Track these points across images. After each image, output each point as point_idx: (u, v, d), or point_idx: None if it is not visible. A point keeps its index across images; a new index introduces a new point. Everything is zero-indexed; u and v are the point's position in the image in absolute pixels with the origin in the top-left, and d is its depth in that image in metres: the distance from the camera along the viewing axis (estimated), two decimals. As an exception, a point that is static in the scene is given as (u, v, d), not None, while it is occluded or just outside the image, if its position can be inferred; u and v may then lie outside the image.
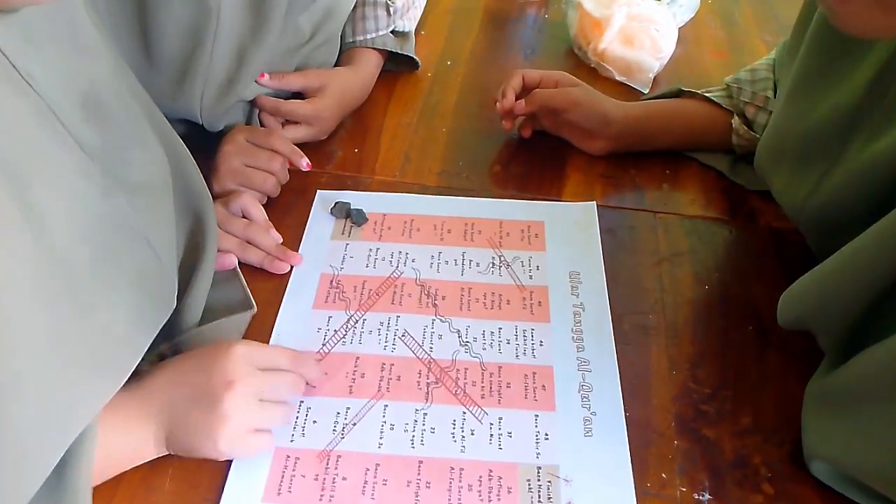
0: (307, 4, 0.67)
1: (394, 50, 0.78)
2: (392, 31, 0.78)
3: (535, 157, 0.73)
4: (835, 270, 0.45)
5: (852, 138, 0.47)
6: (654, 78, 0.82)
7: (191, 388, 0.46)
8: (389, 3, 0.76)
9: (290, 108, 0.68)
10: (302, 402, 0.51)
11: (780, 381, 0.54)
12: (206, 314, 0.53)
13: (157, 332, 0.46)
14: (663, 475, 0.48)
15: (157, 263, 0.46)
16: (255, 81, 0.66)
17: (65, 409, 0.38)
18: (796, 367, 0.54)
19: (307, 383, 0.51)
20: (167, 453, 0.46)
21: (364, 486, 0.47)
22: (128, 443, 0.45)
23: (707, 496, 0.47)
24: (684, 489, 0.47)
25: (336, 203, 0.66)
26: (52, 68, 0.38)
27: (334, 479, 0.47)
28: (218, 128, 0.66)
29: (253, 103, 0.69)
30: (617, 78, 0.83)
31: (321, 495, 0.46)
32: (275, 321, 0.56)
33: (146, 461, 0.46)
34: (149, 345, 0.45)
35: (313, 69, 0.72)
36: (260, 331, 0.56)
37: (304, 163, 0.65)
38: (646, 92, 0.81)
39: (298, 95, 0.71)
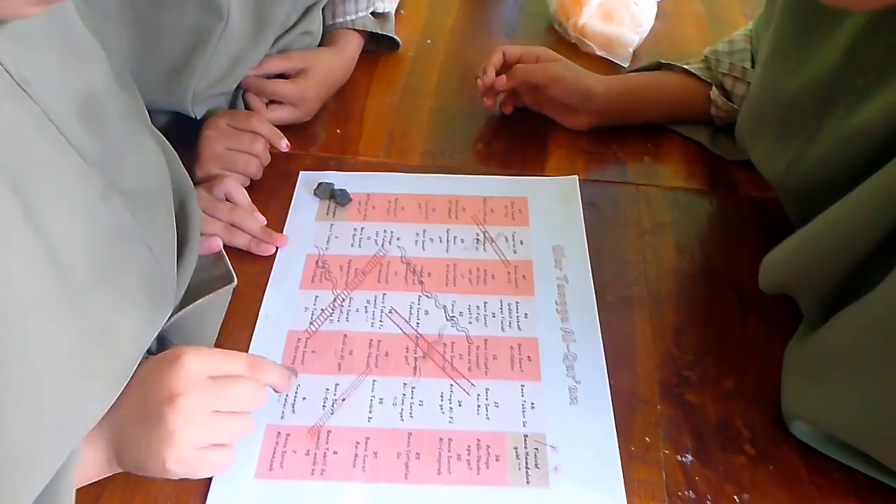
0: (303, 6, 0.67)
1: (374, 31, 0.78)
2: (372, 13, 0.78)
3: (517, 133, 0.73)
4: (817, 236, 0.46)
5: (832, 107, 0.47)
6: (634, 52, 0.83)
7: (133, 402, 0.42)
8: None
9: (275, 89, 0.68)
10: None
11: (761, 347, 0.55)
12: (189, 297, 0.52)
13: (158, 331, 0.46)
14: (647, 439, 0.49)
15: (157, 266, 0.45)
16: (246, 79, 0.66)
17: (67, 413, 0.37)
18: (777, 333, 0.55)
19: (274, 390, 0.47)
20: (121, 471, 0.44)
21: (355, 460, 0.48)
22: (79, 463, 0.41)
23: (690, 458, 0.48)
24: (668, 452, 0.49)
25: (319, 184, 0.66)
26: (48, 74, 0.37)
27: (325, 453, 0.48)
28: (200, 115, 0.66)
29: (238, 87, 0.69)
30: (597, 53, 0.83)
31: (313, 469, 0.47)
32: (261, 303, 0.57)
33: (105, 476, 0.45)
34: (149, 345, 0.45)
35: (296, 51, 0.72)
36: (247, 314, 0.56)
37: (284, 144, 0.65)
38: (626, 66, 0.82)
39: (282, 77, 0.71)
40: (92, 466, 0.43)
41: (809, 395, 0.47)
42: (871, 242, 0.41)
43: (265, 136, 0.64)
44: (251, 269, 0.59)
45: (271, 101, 0.70)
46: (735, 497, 0.47)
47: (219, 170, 0.63)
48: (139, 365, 0.43)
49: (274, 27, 0.63)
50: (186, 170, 0.56)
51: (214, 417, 0.43)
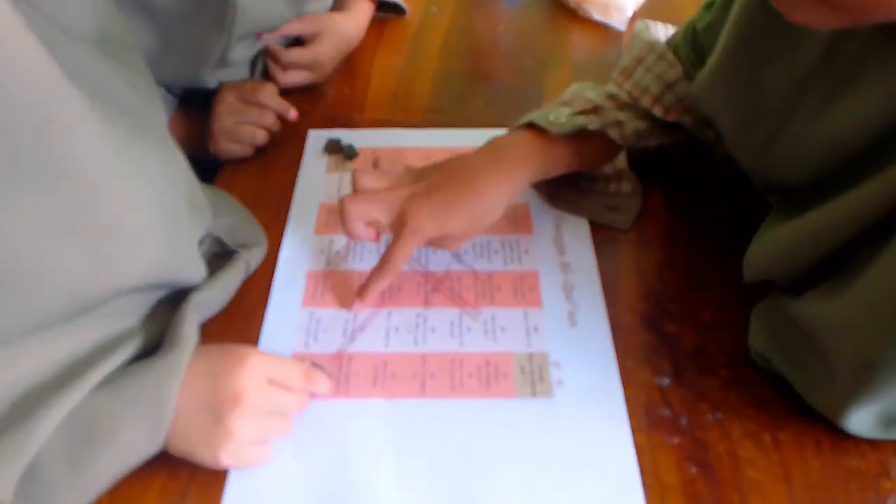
0: None
1: None
2: None
3: (515, 91, 0.77)
4: (798, 242, 0.46)
5: (804, 102, 0.46)
6: (632, 16, 0.86)
7: (200, 395, 0.44)
8: None
9: (291, 58, 0.72)
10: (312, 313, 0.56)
11: (738, 284, 0.57)
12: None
13: None
14: (629, 364, 0.53)
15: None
16: (256, 37, 0.70)
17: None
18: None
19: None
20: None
21: (375, 380, 0.52)
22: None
23: (667, 381, 0.52)
24: (647, 375, 0.52)
25: (328, 140, 0.70)
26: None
27: (348, 376, 0.52)
28: (215, 84, 0.69)
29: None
30: (595, 18, 0.86)
31: (337, 390, 0.52)
32: (279, 248, 0.61)
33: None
34: None
35: (309, 15, 0.75)
36: (268, 258, 0.60)
37: (293, 113, 0.68)
38: (623, 30, 0.84)
39: (296, 40, 0.74)
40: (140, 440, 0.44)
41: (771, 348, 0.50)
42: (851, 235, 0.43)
43: (273, 108, 0.67)
44: (271, 214, 0.63)
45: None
46: (708, 415, 0.50)
47: (229, 143, 0.66)
48: (206, 354, 0.46)
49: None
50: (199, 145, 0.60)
51: (266, 418, 0.46)
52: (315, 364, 0.52)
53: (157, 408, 0.43)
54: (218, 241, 0.56)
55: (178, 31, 0.61)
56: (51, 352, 0.42)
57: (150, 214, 0.43)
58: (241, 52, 0.68)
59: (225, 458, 0.44)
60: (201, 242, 0.53)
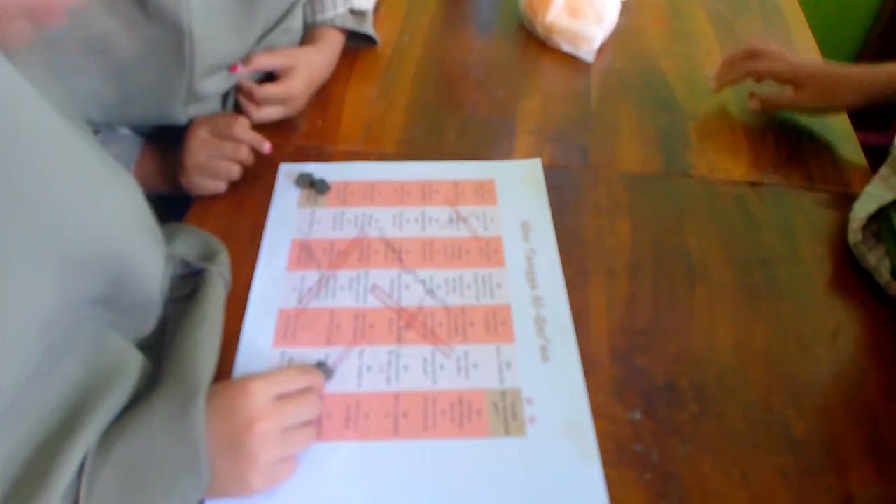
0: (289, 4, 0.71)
1: (353, 28, 0.82)
2: (351, 10, 0.82)
3: (487, 124, 0.78)
4: None
5: None
6: (599, 47, 0.87)
7: (215, 436, 0.45)
8: None
9: (265, 94, 0.72)
10: (284, 352, 0.56)
11: (706, 316, 0.59)
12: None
13: None
14: (601, 398, 0.54)
15: None
16: (229, 71, 0.70)
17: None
18: (720, 305, 0.60)
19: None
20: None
21: (348, 421, 0.52)
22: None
23: (639, 415, 0.53)
24: (619, 409, 0.53)
25: (299, 175, 0.70)
26: None
27: (320, 418, 0.52)
28: (186, 120, 0.69)
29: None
30: (564, 49, 0.87)
31: (309, 432, 0.51)
32: (251, 283, 0.61)
33: None
34: None
35: (281, 49, 0.75)
36: (237, 292, 0.60)
37: (266, 147, 0.67)
38: (591, 60, 0.86)
39: (268, 74, 0.74)
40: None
41: None
42: None
43: (247, 141, 0.67)
44: (242, 249, 0.63)
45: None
46: (679, 449, 0.51)
47: (203, 179, 0.66)
48: (212, 395, 0.47)
49: (255, 29, 0.67)
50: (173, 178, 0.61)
51: (286, 435, 0.47)
52: (320, 363, 0.54)
53: (194, 464, 0.44)
54: (183, 263, 0.56)
55: (140, 71, 0.60)
56: (51, 395, 0.43)
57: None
58: (212, 86, 0.68)
59: (257, 483, 0.46)
60: (164, 268, 0.54)
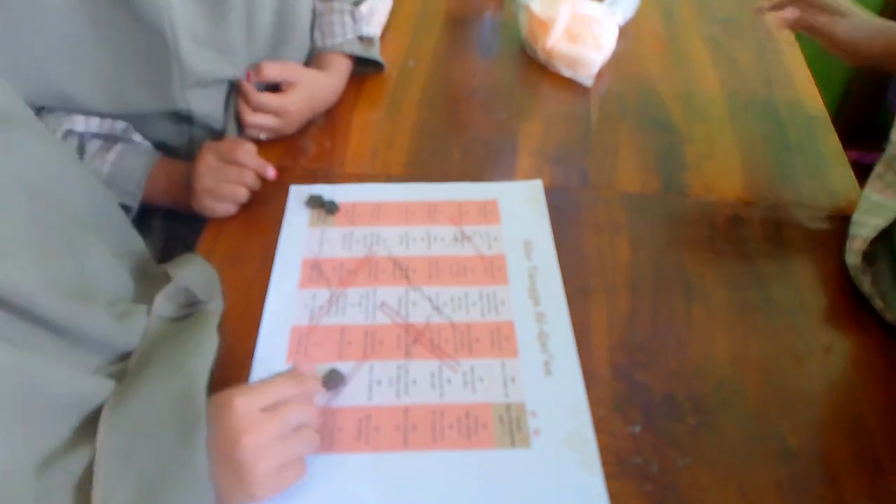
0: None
1: (360, 55, 0.84)
2: (359, 37, 0.85)
3: (491, 145, 0.80)
4: None
5: None
6: (598, 72, 0.90)
7: (213, 452, 0.46)
8: (354, 10, 0.83)
9: (260, 100, 0.75)
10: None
11: (704, 331, 0.62)
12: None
13: None
14: (601, 412, 0.56)
15: None
16: (240, 82, 0.73)
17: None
18: (717, 319, 0.62)
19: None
20: None
21: (359, 434, 0.54)
22: None
23: (638, 428, 0.55)
24: (619, 423, 0.55)
25: (309, 196, 0.72)
26: None
27: (332, 431, 0.54)
28: (197, 110, 0.72)
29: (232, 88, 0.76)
30: (564, 73, 0.90)
31: (322, 445, 0.53)
32: (264, 301, 0.63)
33: None
34: None
35: (291, 63, 0.78)
36: (251, 310, 0.62)
37: (270, 172, 0.69)
38: (590, 85, 0.89)
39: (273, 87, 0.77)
40: None
41: None
42: None
43: (252, 167, 0.69)
44: (245, 269, 0.65)
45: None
46: (678, 461, 0.52)
47: (211, 202, 0.68)
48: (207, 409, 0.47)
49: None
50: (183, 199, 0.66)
51: (281, 442, 0.47)
52: (333, 370, 0.56)
53: (201, 489, 0.45)
54: (186, 292, 0.59)
55: (128, 38, 0.64)
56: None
57: None
58: (203, 64, 0.70)
59: (259, 492, 0.46)
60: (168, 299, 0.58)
